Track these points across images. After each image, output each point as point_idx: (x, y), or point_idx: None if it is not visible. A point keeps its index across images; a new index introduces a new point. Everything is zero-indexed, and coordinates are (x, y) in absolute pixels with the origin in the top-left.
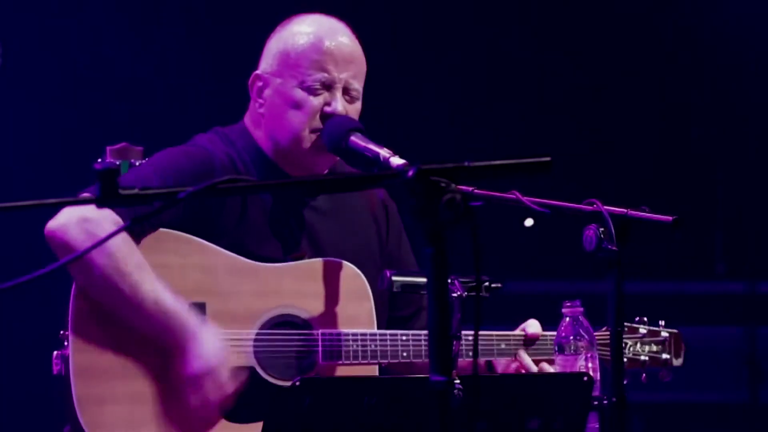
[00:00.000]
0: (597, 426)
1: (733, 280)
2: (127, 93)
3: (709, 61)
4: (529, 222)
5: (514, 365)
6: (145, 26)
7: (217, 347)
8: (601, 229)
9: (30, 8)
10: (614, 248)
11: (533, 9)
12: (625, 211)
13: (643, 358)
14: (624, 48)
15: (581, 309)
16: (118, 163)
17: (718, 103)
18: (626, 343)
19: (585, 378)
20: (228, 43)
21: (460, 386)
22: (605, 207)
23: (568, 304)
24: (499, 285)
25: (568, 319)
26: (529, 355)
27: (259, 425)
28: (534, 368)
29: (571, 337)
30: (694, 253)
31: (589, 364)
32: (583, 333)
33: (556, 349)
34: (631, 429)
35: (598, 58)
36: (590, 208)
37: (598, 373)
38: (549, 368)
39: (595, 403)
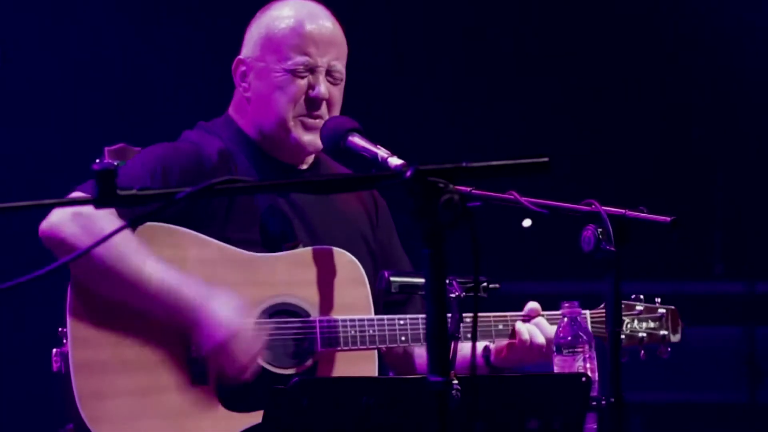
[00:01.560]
0: (595, 426)
1: (731, 280)
2: (127, 93)
3: (709, 61)
4: (527, 222)
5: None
6: (145, 26)
7: (232, 312)
8: (600, 229)
9: (30, 8)
10: (612, 249)
11: (533, 9)
12: (624, 211)
13: (641, 334)
14: (624, 48)
15: (579, 309)
16: (116, 163)
17: (718, 104)
18: (623, 321)
19: (583, 378)
20: (229, 44)
21: (458, 387)
22: (603, 207)
23: (567, 304)
24: (497, 285)
25: (566, 319)
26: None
27: (258, 414)
28: (526, 336)
29: (570, 338)
30: (693, 254)
31: (588, 365)
32: (581, 333)
33: (555, 349)
34: (630, 429)
35: (598, 58)
36: (588, 208)
37: (597, 374)
38: (523, 327)
39: (594, 403)
